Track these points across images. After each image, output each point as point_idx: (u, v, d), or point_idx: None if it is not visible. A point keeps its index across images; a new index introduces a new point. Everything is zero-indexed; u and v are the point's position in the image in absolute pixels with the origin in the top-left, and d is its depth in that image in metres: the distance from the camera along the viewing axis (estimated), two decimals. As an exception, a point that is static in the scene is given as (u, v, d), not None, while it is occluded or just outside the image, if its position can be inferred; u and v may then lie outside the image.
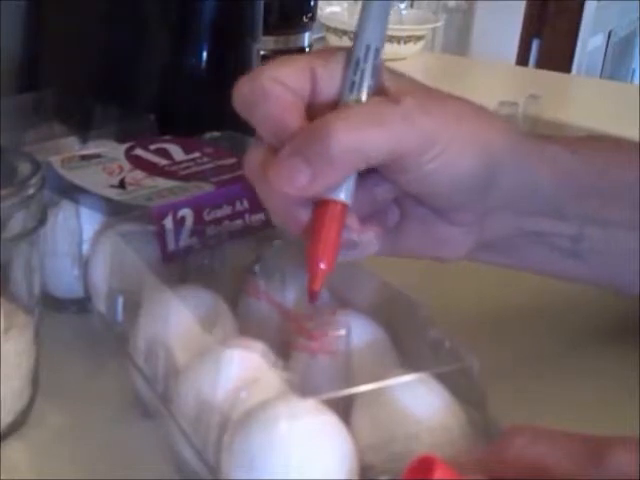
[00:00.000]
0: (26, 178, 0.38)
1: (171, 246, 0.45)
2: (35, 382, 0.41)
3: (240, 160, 0.51)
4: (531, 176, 0.40)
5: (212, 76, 0.66)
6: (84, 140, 0.55)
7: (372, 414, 0.34)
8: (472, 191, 0.39)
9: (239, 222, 0.48)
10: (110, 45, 0.64)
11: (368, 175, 0.37)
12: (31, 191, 0.38)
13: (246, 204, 0.48)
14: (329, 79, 0.37)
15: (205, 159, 0.52)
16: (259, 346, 0.36)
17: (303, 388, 0.33)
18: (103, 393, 0.42)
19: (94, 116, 0.56)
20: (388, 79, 0.38)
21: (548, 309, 0.53)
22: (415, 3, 1.51)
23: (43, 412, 0.41)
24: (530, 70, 1.68)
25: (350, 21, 1.11)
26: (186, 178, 0.50)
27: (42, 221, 0.39)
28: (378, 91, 0.37)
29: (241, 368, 0.34)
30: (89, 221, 0.47)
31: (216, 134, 0.57)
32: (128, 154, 0.52)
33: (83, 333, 0.45)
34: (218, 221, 0.47)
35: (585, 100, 1.10)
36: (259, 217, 0.48)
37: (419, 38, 1.15)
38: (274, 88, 0.36)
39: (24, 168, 0.39)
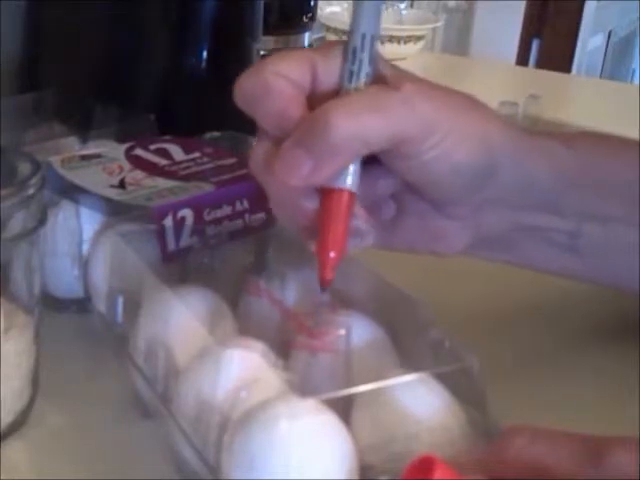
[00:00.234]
0: (26, 178, 0.38)
1: (171, 246, 0.45)
2: (35, 382, 0.41)
3: (240, 160, 0.51)
4: (528, 170, 0.40)
5: (212, 76, 0.66)
6: (84, 140, 0.55)
7: (372, 414, 0.34)
8: (470, 182, 0.39)
9: (239, 222, 0.48)
10: (110, 45, 0.64)
11: (369, 168, 0.38)
12: (31, 191, 0.38)
13: (246, 204, 0.48)
14: (329, 71, 0.37)
15: (205, 159, 0.52)
16: (259, 346, 0.36)
17: (303, 388, 0.33)
18: (103, 393, 0.42)
19: (94, 116, 0.56)
20: (387, 68, 0.38)
21: (548, 309, 0.53)
22: (415, 3, 1.51)
23: (43, 412, 0.41)
24: (530, 70, 1.68)
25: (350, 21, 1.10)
26: (186, 178, 0.50)
27: (42, 221, 0.39)
28: (377, 80, 0.37)
29: (241, 368, 0.34)
30: (89, 221, 0.47)
31: (216, 134, 0.57)
32: (128, 154, 0.52)
33: (83, 333, 0.45)
34: (218, 221, 0.47)
35: (585, 100, 1.10)
36: (259, 217, 0.48)
37: (419, 38, 1.15)
38: (276, 82, 0.36)
39: (24, 168, 0.39)
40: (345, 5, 1.19)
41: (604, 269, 0.44)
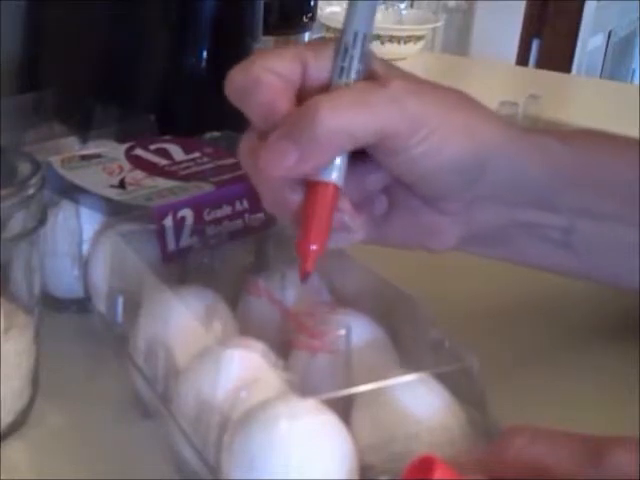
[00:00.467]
0: (26, 178, 0.38)
1: (171, 246, 0.45)
2: (35, 382, 0.41)
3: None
4: (521, 166, 0.40)
5: (212, 76, 0.66)
6: (84, 140, 0.55)
7: (372, 414, 0.34)
8: (460, 178, 0.39)
9: (239, 222, 0.48)
10: (110, 45, 0.64)
11: (359, 163, 0.38)
12: (31, 191, 0.38)
13: (246, 204, 0.48)
14: (319, 67, 0.37)
15: (205, 159, 0.52)
16: (259, 346, 0.36)
17: (303, 388, 0.33)
18: (103, 393, 0.42)
19: (94, 116, 0.56)
20: (379, 65, 0.38)
21: (548, 309, 0.53)
22: (415, 3, 1.51)
23: (43, 412, 0.41)
24: (530, 70, 1.68)
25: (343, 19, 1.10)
26: (186, 178, 0.50)
27: (42, 221, 0.39)
28: (369, 77, 0.37)
29: (241, 368, 0.34)
30: (89, 221, 0.47)
31: (216, 134, 0.57)
32: (128, 154, 0.52)
33: (83, 333, 0.45)
34: (218, 221, 0.47)
35: (585, 100, 1.10)
36: (259, 217, 0.48)
37: (419, 38, 1.15)
38: (266, 76, 0.36)
39: (24, 168, 0.39)
40: (345, 5, 1.19)
41: (598, 266, 0.44)
